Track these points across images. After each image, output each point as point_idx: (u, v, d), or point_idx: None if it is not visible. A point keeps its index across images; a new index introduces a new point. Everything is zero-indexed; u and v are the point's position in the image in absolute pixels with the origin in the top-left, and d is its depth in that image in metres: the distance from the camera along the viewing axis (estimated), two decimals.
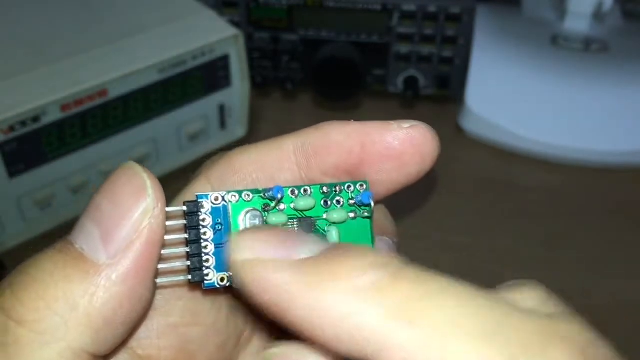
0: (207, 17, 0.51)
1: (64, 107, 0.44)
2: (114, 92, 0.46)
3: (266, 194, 0.20)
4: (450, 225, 0.51)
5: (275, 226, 0.19)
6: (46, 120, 0.43)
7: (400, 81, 0.58)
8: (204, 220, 0.19)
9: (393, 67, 0.57)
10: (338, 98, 0.57)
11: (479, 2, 0.56)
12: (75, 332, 0.17)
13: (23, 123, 0.42)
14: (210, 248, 0.19)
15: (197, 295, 0.21)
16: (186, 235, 0.19)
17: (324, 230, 0.20)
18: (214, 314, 0.22)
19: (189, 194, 0.21)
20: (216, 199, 0.19)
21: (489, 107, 0.56)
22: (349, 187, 0.21)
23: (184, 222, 0.19)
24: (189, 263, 0.19)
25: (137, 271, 0.17)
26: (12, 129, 0.42)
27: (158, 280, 0.19)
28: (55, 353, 0.16)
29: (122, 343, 0.19)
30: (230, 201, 0.19)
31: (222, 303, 0.22)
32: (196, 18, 0.51)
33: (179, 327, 0.21)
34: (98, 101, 0.45)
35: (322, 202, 0.20)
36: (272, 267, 0.16)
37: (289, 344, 0.16)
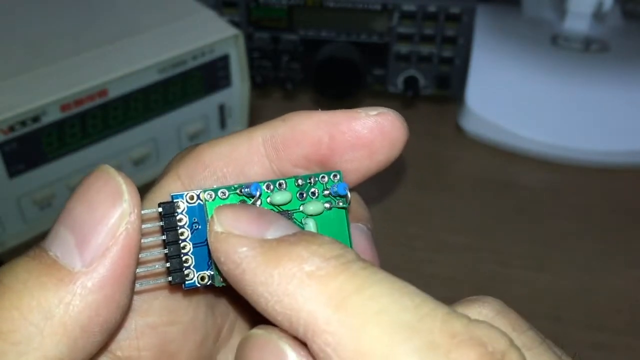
0: (207, 17, 0.51)
1: (64, 107, 0.44)
2: (114, 92, 0.46)
3: (243, 191, 0.20)
4: (450, 225, 0.51)
5: (254, 206, 0.19)
6: (46, 120, 0.43)
7: (400, 81, 0.58)
8: (180, 220, 0.19)
9: (393, 67, 0.57)
10: (338, 98, 0.57)
11: (479, 2, 0.56)
12: (51, 342, 0.16)
13: (23, 123, 0.42)
14: (189, 248, 0.19)
15: (174, 293, 0.21)
16: (163, 237, 0.19)
17: (301, 222, 0.20)
18: (191, 311, 0.21)
19: (159, 191, 0.21)
20: (191, 197, 0.19)
21: (489, 107, 0.56)
22: (322, 177, 0.21)
23: (160, 223, 0.19)
24: (168, 264, 0.19)
25: (114, 278, 0.17)
26: (12, 129, 0.42)
27: (138, 285, 0.19)
28: None
29: (101, 348, 0.19)
30: (206, 199, 0.19)
31: (200, 300, 0.22)
32: (196, 18, 0.51)
33: (158, 326, 0.21)
34: (98, 101, 0.45)
35: (298, 195, 0.20)
36: (237, 241, 0.17)
37: (269, 328, 0.17)
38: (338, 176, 0.21)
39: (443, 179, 0.55)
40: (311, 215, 0.21)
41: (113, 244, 0.17)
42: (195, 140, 0.52)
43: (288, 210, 0.20)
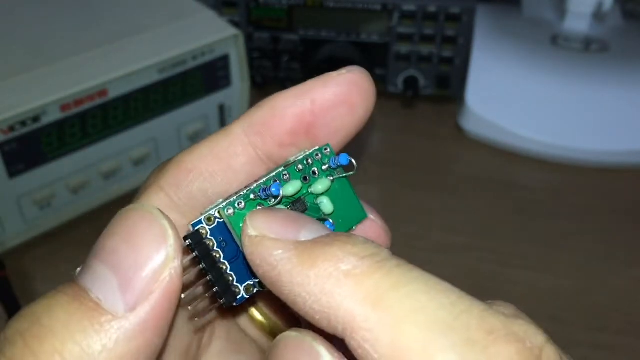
0: (207, 17, 0.51)
1: (63, 107, 0.44)
2: (114, 92, 0.46)
3: (262, 193, 0.20)
4: (450, 225, 0.51)
5: (284, 209, 0.20)
6: (46, 120, 0.43)
7: (400, 81, 0.58)
8: (210, 245, 0.19)
9: (393, 67, 0.57)
10: None
11: (479, 2, 0.56)
12: None
13: (23, 123, 0.42)
14: (226, 267, 0.19)
15: (224, 315, 0.21)
16: (201, 265, 0.19)
17: (315, 203, 0.21)
18: (177, 320, 0.21)
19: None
20: (209, 219, 0.19)
21: (489, 107, 0.56)
22: (316, 155, 0.21)
23: (194, 254, 0.19)
24: (215, 289, 0.19)
25: (155, 323, 0.17)
26: (12, 129, 0.42)
27: (194, 323, 0.19)
28: None
29: None
30: (227, 215, 0.19)
31: (179, 311, 0.22)
32: (196, 18, 0.51)
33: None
34: (98, 101, 0.45)
35: (302, 179, 0.21)
36: (272, 244, 0.17)
37: (303, 331, 0.17)
38: (328, 149, 0.21)
39: (443, 179, 0.55)
40: (322, 193, 0.21)
41: (156, 289, 0.17)
42: (195, 140, 0.52)
43: (300, 197, 0.21)
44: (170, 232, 0.17)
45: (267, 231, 0.18)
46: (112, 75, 0.45)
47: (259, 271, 0.18)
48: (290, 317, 0.18)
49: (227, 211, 0.19)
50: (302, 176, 0.21)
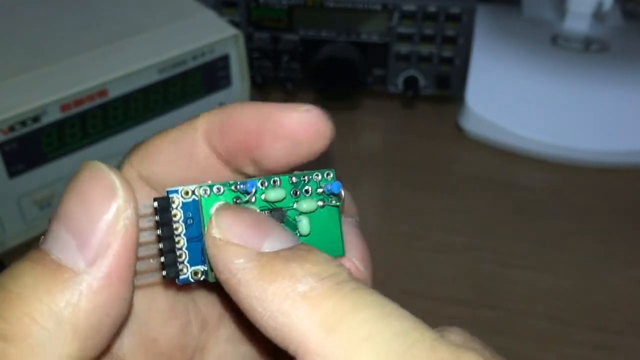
0: (207, 17, 0.51)
1: (64, 107, 0.44)
2: (114, 92, 0.46)
3: (238, 187, 0.20)
4: (450, 225, 0.51)
5: (253, 210, 0.19)
6: (46, 120, 0.43)
7: (400, 81, 0.58)
8: (175, 215, 0.19)
9: (393, 67, 0.57)
10: (338, 98, 0.57)
11: (479, 2, 0.56)
12: (63, 344, 0.17)
13: (23, 123, 0.42)
14: (183, 243, 0.19)
15: (168, 288, 0.21)
16: (158, 232, 0.19)
17: (294, 219, 0.21)
18: (170, 298, 0.22)
19: None
20: (186, 193, 0.19)
21: (489, 107, 0.56)
22: (316, 176, 0.21)
23: (155, 218, 0.19)
24: (162, 259, 0.19)
25: (118, 274, 0.17)
26: (12, 129, 0.42)
27: (135, 281, 0.19)
28: None
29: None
30: (201, 195, 0.19)
31: (177, 290, 0.22)
32: (196, 18, 0.51)
33: (138, 312, 0.21)
34: (98, 101, 0.45)
35: (292, 193, 0.21)
36: (235, 251, 0.18)
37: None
38: (331, 175, 0.21)
39: (443, 179, 0.55)
40: (304, 212, 0.21)
41: (113, 241, 0.17)
42: None
43: (282, 208, 0.21)
44: (118, 183, 0.18)
45: (231, 235, 0.18)
46: (112, 75, 0.45)
47: (219, 276, 0.18)
48: None
49: (205, 192, 0.19)
50: (293, 189, 0.21)
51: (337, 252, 0.21)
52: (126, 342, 0.21)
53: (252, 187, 0.20)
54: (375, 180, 0.55)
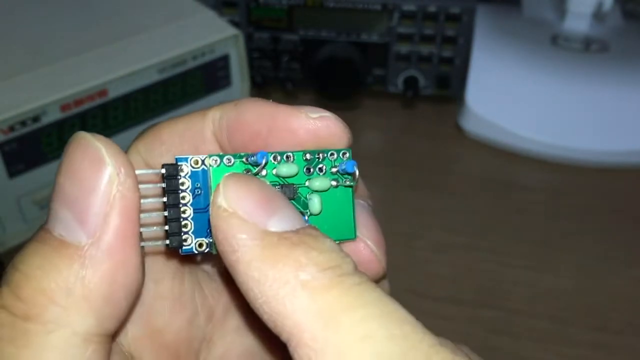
0: (207, 17, 0.51)
1: (64, 107, 0.44)
2: (114, 92, 0.46)
3: (248, 159, 0.19)
4: (450, 225, 0.51)
5: (264, 183, 0.19)
6: (46, 120, 0.43)
7: (400, 81, 0.58)
8: (182, 184, 0.19)
9: (393, 67, 0.57)
10: (338, 98, 0.57)
11: (479, 2, 0.56)
12: (77, 317, 0.17)
13: (23, 123, 0.43)
14: (189, 212, 0.19)
15: (158, 265, 0.21)
16: (164, 199, 0.19)
17: (305, 197, 0.20)
18: (177, 287, 0.22)
19: None
20: (196, 162, 0.19)
21: (489, 107, 0.56)
22: (331, 155, 0.20)
23: (162, 185, 0.19)
24: (166, 227, 0.19)
25: (121, 241, 0.17)
26: (12, 129, 0.42)
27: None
28: (62, 340, 0.17)
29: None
30: (211, 165, 0.19)
31: (185, 277, 0.22)
32: (196, 18, 0.51)
33: (143, 299, 0.21)
34: (98, 101, 0.45)
35: (305, 170, 0.20)
36: (239, 225, 0.17)
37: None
38: (347, 154, 0.21)
39: (443, 179, 0.55)
40: (316, 191, 0.20)
41: (110, 209, 0.17)
42: None
43: (294, 184, 0.20)
44: (103, 151, 0.17)
45: (237, 206, 0.17)
46: (112, 75, 0.45)
47: (218, 247, 0.17)
48: None
49: (215, 162, 0.19)
50: (306, 166, 0.20)
51: (348, 234, 0.21)
52: (131, 333, 0.21)
53: (262, 157, 0.19)
54: (375, 180, 0.55)
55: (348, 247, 0.21)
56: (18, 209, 0.45)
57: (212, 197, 0.18)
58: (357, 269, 0.17)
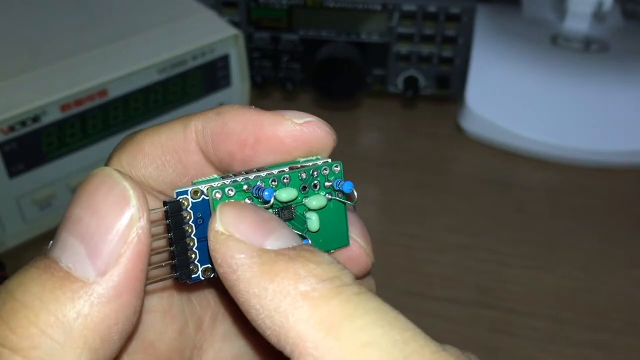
0: (207, 17, 0.51)
1: (63, 107, 0.44)
2: (114, 92, 0.46)
3: (254, 193, 0.19)
4: (450, 225, 0.51)
5: (257, 207, 0.19)
6: (46, 120, 0.43)
7: (400, 81, 0.58)
8: (185, 217, 0.19)
9: (393, 67, 0.57)
10: (338, 98, 0.57)
11: (479, 2, 0.56)
12: (72, 355, 0.16)
13: (23, 123, 0.42)
14: (194, 243, 0.19)
15: (173, 288, 0.21)
16: (170, 235, 0.19)
17: (303, 215, 0.21)
18: (166, 299, 0.22)
19: None
20: (195, 192, 0.19)
21: (489, 107, 0.56)
22: (324, 170, 0.21)
23: (166, 222, 0.19)
24: (174, 262, 0.19)
25: (128, 284, 0.17)
26: (12, 129, 0.42)
27: (148, 287, 0.19)
28: None
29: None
30: (214, 199, 0.19)
31: (173, 289, 0.22)
32: (196, 18, 0.51)
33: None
34: (98, 101, 0.45)
35: (301, 188, 0.20)
36: (236, 246, 0.17)
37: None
38: (339, 167, 0.21)
39: (443, 179, 0.55)
40: (314, 209, 0.21)
41: (125, 251, 0.17)
42: None
43: (291, 205, 0.20)
44: (131, 192, 0.17)
45: (234, 229, 0.17)
46: (112, 75, 0.45)
47: (218, 270, 0.18)
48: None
49: (215, 194, 0.19)
50: (302, 185, 0.20)
51: (342, 242, 0.22)
52: (124, 347, 0.20)
53: (270, 196, 0.19)
54: (375, 180, 0.55)
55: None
56: (18, 209, 0.45)
57: (208, 228, 0.18)
58: (355, 280, 0.17)
